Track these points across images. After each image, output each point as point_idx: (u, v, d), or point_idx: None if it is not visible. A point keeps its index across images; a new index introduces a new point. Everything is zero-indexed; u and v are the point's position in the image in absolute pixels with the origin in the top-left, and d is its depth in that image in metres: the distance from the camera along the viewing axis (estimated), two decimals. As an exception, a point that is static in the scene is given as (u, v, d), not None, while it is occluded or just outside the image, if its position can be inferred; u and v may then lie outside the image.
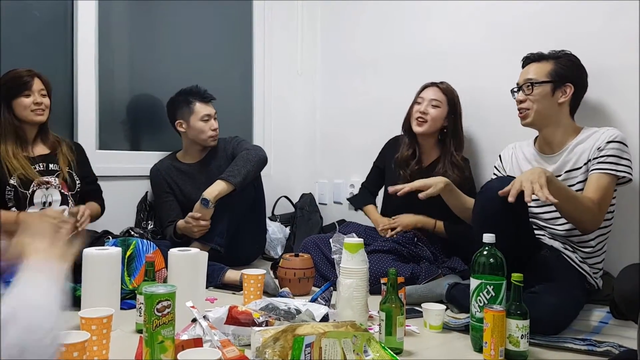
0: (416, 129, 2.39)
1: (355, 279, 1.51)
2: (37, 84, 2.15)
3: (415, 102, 2.43)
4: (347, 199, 2.76)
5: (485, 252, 1.52)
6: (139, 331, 1.59)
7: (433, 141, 2.44)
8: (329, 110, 3.27)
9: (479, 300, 1.51)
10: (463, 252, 2.27)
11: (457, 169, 2.33)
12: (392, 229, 2.38)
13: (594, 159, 1.83)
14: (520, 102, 1.96)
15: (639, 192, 2.05)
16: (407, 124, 2.46)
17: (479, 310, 1.50)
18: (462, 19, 2.59)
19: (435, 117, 2.36)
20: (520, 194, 1.62)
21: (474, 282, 1.52)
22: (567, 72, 1.91)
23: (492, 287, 1.49)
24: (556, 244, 1.92)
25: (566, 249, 1.90)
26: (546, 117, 1.94)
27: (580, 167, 1.87)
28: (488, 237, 1.52)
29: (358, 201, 2.72)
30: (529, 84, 1.93)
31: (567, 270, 1.84)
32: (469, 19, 2.56)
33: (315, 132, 3.35)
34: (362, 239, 1.57)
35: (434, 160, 2.44)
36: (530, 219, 1.92)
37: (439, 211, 2.29)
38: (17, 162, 2.09)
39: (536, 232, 1.93)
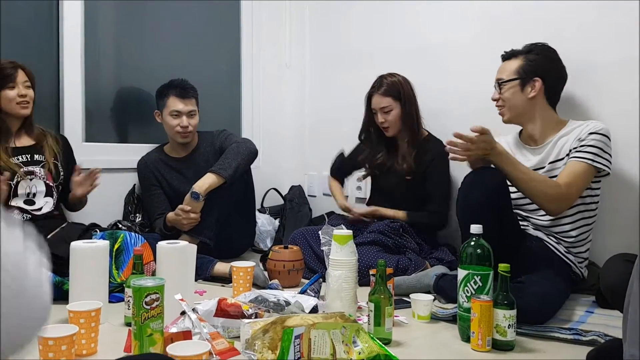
0: (386, 134, 2.48)
1: (344, 270, 1.51)
2: (21, 76, 2.12)
3: (370, 112, 2.50)
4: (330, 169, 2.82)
5: (472, 243, 1.53)
6: (128, 324, 1.59)
7: (404, 133, 2.48)
8: (318, 103, 3.27)
9: (467, 290, 1.52)
10: (425, 235, 2.40)
11: (406, 157, 2.42)
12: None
13: (574, 148, 1.86)
14: (495, 100, 2.00)
15: (624, 183, 2.07)
16: (366, 131, 2.54)
17: (467, 301, 1.51)
18: (452, 13, 2.59)
19: (392, 121, 2.44)
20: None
21: (461, 273, 1.54)
22: (535, 66, 1.93)
23: (479, 277, 1.50)
24: (540, 235, 1.94)
25: (550, 239, 1.92)
26: (521, 113, 1.98)
27: (562, 159, 1.90)
28: (475, 228, 1.54)
29: (334, 173, 2.79)
30: (499, 83, 1.98)
31: (552, 261, 1.87)
32: (458, 13, 2.57)
33: (304, 124, 3.34)
34: (351, 231, 1.57)
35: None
36: (515, 210, 1.94)
37: (415, 201, 2.43)
38: None
39: (520, 222, 1.96)
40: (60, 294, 1.80)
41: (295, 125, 3.36)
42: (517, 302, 1.46)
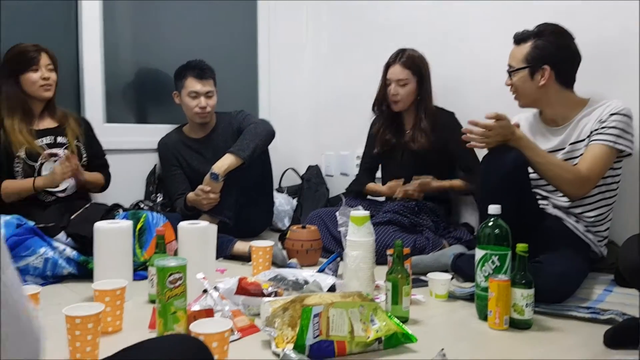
0: (394, 108, 2.45)
1: (362, 250, 1.53)
2: (44, 59, 2.16)
3: (384, 83, 2.45)
4: (346, 190, 2.77)
5: (490, 223, 1.54)
6: (152, 302, 1.63)
7: (411, 109, 2.47)
8: (335, 82, 3.25)
9: (484, 270, 1.53)
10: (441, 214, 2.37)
11: (424, 134, 2.39)
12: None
13: (595, 130, 1.83)
14: (509, 86, 1.97)
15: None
16: (379, 104, 2.50)
17: (484, 280, 1.52)
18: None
19: (406, 95, 2.41)
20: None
21: (479, 253, 1.54)
22: (543, 53, 1.86)
23: (497, 257, 1.51)
24: (560, 214, 1.93)
25: (570, 218, 1.91)
26: (535, 99, 1.94)
27: (583, 140, 1.87)
28: (493, 209, 1.54)
29: (356, 187, 2.68)
30: (509, 71, 1.95)
31: (571, 240, 1.86)
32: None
33: (321, 104, 3.33)
34: (368, 212, 1.59)
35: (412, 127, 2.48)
36: (534, 189, 1.93)
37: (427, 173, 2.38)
38: (22, 137, 2.11)
39: (540, 202, 1.95)
40: (85, 272, 1.86)
41: (313, 105, 3.35)
42: (535, 281, 1.47)
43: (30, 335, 0.59)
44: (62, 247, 1.86)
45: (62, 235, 1.90)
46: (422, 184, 2.34)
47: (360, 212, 1.56)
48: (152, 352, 0.74)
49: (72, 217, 2.00)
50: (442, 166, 2.44)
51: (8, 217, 1.86)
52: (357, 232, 1.53)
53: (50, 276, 1.84)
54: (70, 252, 1.87)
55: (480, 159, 2.37)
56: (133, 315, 1.51)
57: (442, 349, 1.10)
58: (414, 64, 2.41)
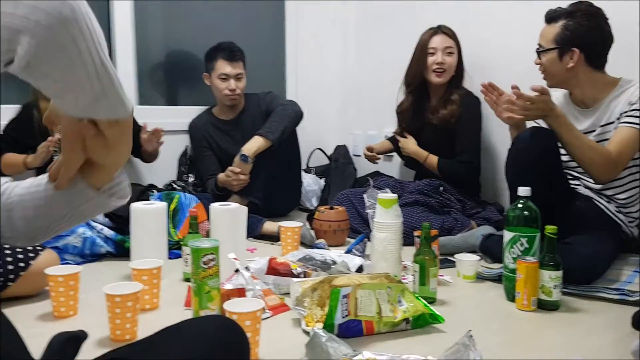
0: (436, 79, 2.41)
1: (389, 233, 1.55)
2: None
3: (427, 52, 2.41)
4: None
5: (519, 205, 1.54)
6: (186, 280, 1.70)
7: (441, 87, 2.45)
8: (363, 61, 3.24)
9: (512, 252, 1.54)
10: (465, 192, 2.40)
11: (449, 106, 2.38)
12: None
13: (624, 112, 1.79)
14: (538, 64, 1.94)
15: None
16: (416, 75, 2.46)
17: (513, 262, 1.53)
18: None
19: (451, 65, 2.40)
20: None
21: (507, 235, 1.55)
22: (573, 35, 1.81)
23: (525, 239, 1.52)
24: (591, 194, 1.91)
25: (601, 198, 1.90)
26: (563, 80, 1.90)
27: (613, 122, 1.83)
28: (523, 191, 1.54)
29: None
30: (538, 51, 1.91)
31: (601, 220, 1.85)
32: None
33: (349, 83, 3.32)
34: (396, 195, 1.60)
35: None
36: (566, 170, 1.92)
37: (445, 149, 2.43)
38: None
39: (571, 182, 1.93)
40: (122, 251, 1.94)
41: (340, 84, 3.35)
42: (564, 263, 1.47)
43: None
44: (99, 226, 1.94)
45: (99, 215, 1.96)
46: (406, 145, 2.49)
47: (388, 195, 1.57)
48: (189, 331, 0.78)
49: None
50: (455, 144, 2.44)
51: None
52: (385, 215, 1.55)
53: (88, 255, 1.92)
54: (108, 232, 1.94)
55: (478, 156, 2.44)
56: (169, 292, 1.57)
57: (469, 331, 1.12)
58: (454, 36, 2.42)
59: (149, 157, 2.43)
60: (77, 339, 1.09)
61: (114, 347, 1.21)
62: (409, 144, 2.51)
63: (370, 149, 2.71)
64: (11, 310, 1.44)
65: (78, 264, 1.82)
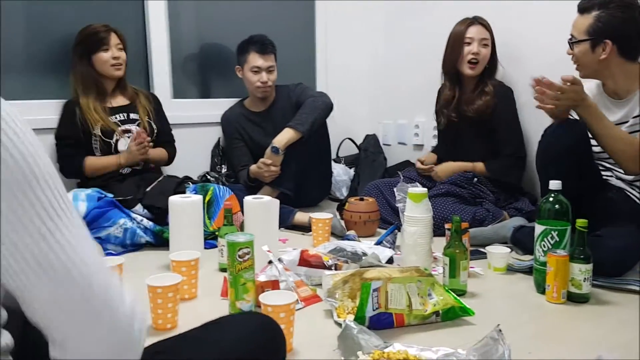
0: (469, 72, 2.39)
1: (419, 227, 1.57)
2: (113, 39, 2.28)
3: (463, 42, 2.38)
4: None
5: (550, 199, 1.54)
6: (222, 270, 1.76)
7: (475, 78, 2.44)
8: (393, 49, 3.22)
9: (543, 245, 1.55)
10: (504, 188, 2.38)
11: (484, 97, 2.36)
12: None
13: None
14: (570, 55, 1.91)
15: None
16: (451, 65, 2.44)
17: (543, 255, 1.54)
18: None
19: (485, 57, 2.39)
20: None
21: (538, 228, 1.56)
22: (606, 27, 1.77)
23: (556, 232, 1.52)
24: (622, 185, 1.89)
25: (633, 189, 1.87)
26: (595, 71, 1.87)
27: None
28: (554, 184, 1.54)
29: None
30: (570, 42, 1.87)
31: (633, 211, 1.83)
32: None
33: (378, 72, 3.32)
34: (426, 189, 1.62)
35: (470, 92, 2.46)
36: (597, 161, 1.90)
37: (481, 152, 2.41)
38: (97, 115, 2.25)
39: (603, 173, 1.91)
40: (161, 241, 2.02)
41: (370, 74, 3.35)
42: (594, 256, 1.47)
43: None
44: (139, 218, 2.02)
45: (139, 207, 2.05)
46: (442, 172, 2.43)
47: (418, 189, 1.59)
48: (230, 329, 0.83)
49: (148, 189, 2.14)
50: (492, 142, 2.42)
51: (89, 191, 2.02)
52: (415, 209, 1.57)
53: (129, 244, 2.00)
54: (147, 223, 2.02)
55: (524, 143, 2.40)
56: (206, 282, 1.63)
57: (498, 325, 1.15)
58: (490, 28, 2.41)
59: (156, 163, 2.46)
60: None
61: (157, 335, 1.29)
62: (448, 167, 2.44)
63: (422, 162, 2.56)
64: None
65: (119, 253, 1.91)
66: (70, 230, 0.56)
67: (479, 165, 2.40)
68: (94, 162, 2.25)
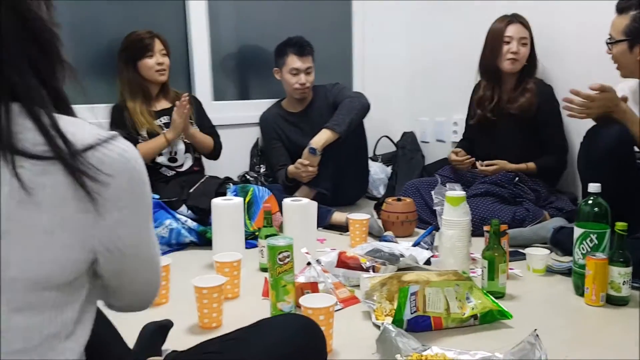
0: (509, 68, 2.37)
1: (457, 230, 1.59)
2: (157, 45, 2.36)
3: (502, 40, 2.36)
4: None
5: (590, 202, 1.53)
6: (262, 270, 1.82)
7: (514, 75, 2.42)
8: (430, 46, 3.20)
9: (582, 248, 1.54)
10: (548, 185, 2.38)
11: (526, 94, 2.35)
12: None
13: None
14: (609, 54, 1.88)
15: None
16: (490, 63, 2.42)
17: (582, 258, 1.53)
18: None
19: (524, 55, 2.37)
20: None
21: (577, 231, 1.55)
22: None
23: (595, 235, 1.51)
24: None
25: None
26: (634, 71, 1.84)
27: None
28: (593, 187, 1.53)
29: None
30: (608, 42, 1.85)
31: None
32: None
33: (415, 69, 3.30)
34: (464, 192, 1.62)
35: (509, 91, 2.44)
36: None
37: (519, 150, 2.40)
38: (143, 118, 2.34)
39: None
40: (204, 241, 2.10)
41: (407, 71, 3.32)
42: (634, 258, 1.46)
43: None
44: (184, 218, 2.11)
45: (183, 208, 2.13)
46: (497, 169, 2.37)
47: (456, 193, 1.60)
48: (273, 331, 0.88)
49: (191, 190, 2.22)
50: (533, 139, 2.41)
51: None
52: (453, 212, 1.58)
53: (174, 244, 2.09)
54: (191, 223, 2.10)
55: (567, 139, 2.38)
56: (248, 282, 1.69)
57: (535, 330, 1.16)
58: (529, 26, 2.39)
59: (197, 144, 2.48)
60: (164, 327, 1.25)
61: (203, 333, 1.36)
62: (504, 166, 2.38)
63: (457, 153, 2.51)
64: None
65: (165, 253, 1.99)
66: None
67: (530, 165, 2.39)
68: (144, 147, 2.30)
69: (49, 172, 0.59)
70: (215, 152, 2.57)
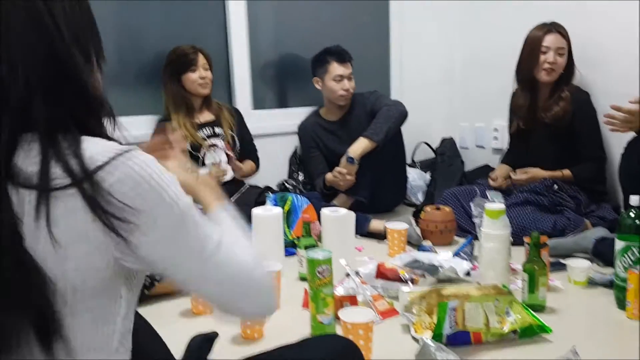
0: (545, 78, 2.35)
1: (496, 243, 1.58)
2: (201, 59, 2.43)
3: (539, 50, 2.33)
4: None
5: (631, 214, 1.51)
6: (302, 279, 1.85)
7: (550, 84, 2.39)
8: (469, 50, 3.18)
9: (624, 261, 1.51)
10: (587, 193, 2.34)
11: (562, 103, 2.32)
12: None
13: None
14: None
15: None
16: (526, 72, 2.40)
17: (623, 271, 1.51)
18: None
19: (561, 65, 2.34)
20: None
21: (619, 244, 1.53)
22: None
23: (637, 248, 1.49)
24: None
25: None
26: None
27: None
28: (635, 200, 1.50)
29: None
30: None
31: None
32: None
33: (454, 74, 3.28)
34: (503, 205, 1.61)
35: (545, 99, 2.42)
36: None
37: (555, 158, 2.38)
38: (186, 130, 2.42)
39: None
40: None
41: (445, 76, 3.31)
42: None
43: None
44: (225, 228, 2.15)
45: (224, 218, 2.18)
46: (530, 178, 2.36)
47: (496, 206, 1.59)
48: (312, 353, 0.91)
49: (232, 199, 2.28)
50: (569, 149, 2.37)
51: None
52: (492, 225, 1.57)
53: (219, 252, 2.14)
54: (233, 233, 2.15)
55: (605, 149, 2.36)
56: (287, 292, 1.72)
57: (574, 346, 1.15)
58: (567, 35, 2.36)
59: (248, 176, 2.59)
60: (210, 339, 1.29)
61: (245, 344, 1.41)
62: (537, 174, 2.38)
63: (494, 179, 2.52)
64: (156, 306, 1.68)
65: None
66: (224, 248, 0.74)
67: (566, 172, 2.36)
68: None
69: (70, 210, 0.63)
70: (255, 172, 2.65)
